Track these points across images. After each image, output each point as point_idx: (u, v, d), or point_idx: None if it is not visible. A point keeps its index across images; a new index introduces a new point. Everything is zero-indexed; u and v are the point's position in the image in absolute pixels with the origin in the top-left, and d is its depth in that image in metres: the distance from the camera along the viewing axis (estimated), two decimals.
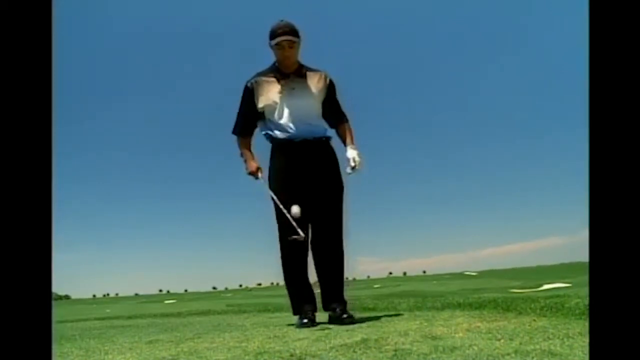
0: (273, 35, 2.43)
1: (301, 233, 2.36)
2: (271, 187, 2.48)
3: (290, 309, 2.57)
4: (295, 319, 2.46)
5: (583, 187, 0.79)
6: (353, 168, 2.51)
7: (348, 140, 2.61)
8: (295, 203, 2.41)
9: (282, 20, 2.45)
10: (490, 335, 1.51)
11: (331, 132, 2.64)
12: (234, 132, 2.66)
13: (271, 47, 2.47)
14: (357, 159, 2.52)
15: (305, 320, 2.32)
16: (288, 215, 2.38)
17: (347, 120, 2.68)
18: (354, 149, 2.57)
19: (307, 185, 2.46)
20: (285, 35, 2.40)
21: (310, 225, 2.50)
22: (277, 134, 2.50)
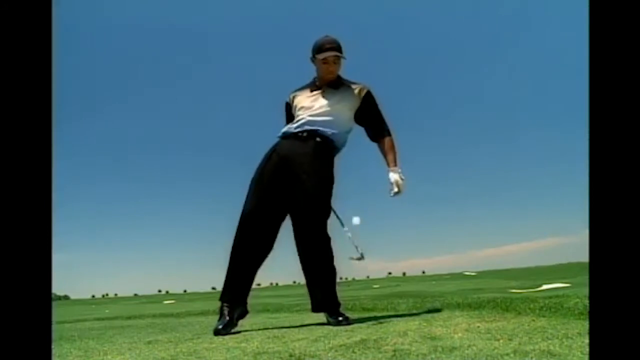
0: (320, 49, 2.48)
1: (359, 254, 2.32)
2: (255, 177, 2.48)
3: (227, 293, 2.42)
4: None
5: (583, 187, 0.79)
6: (396, 193, 2.44)
7: (390, 160, 2.53)
8: (275, 196, 2.40)
9: (327, 36, 2.51)
10: (489, 335, 1.51)
11: (339, 136, 2.54)
12: None
13: (314, 60, 2.53)
14: (399, 182, 2.45)
15: (220, 327, 2.21)
16: (348, 234, 2.38)
17: (388, 134, 2.60)
18: (396, 172, 2.49)
19: (291, 181, 2.42)
20: (332, 50, 2.46)
21: (293, 227, 2.45)
22: (284, 129, 2.54)
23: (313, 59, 2.54)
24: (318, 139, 2.47)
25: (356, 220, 2.38)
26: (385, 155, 2.58)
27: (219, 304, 2.41)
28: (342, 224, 2.47)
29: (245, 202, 2.47)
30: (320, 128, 2.48)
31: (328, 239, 2.45)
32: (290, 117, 2.65)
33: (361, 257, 2.33)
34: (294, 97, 2.64)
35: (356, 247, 2.36)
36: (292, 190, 2.42)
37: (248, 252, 2.42)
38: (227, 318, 2.29)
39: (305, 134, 2.47)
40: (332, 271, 2.45)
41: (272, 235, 2.46)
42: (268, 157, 2.50)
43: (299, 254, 2.45)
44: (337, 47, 2.48)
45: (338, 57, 2.49)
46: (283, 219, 2.48)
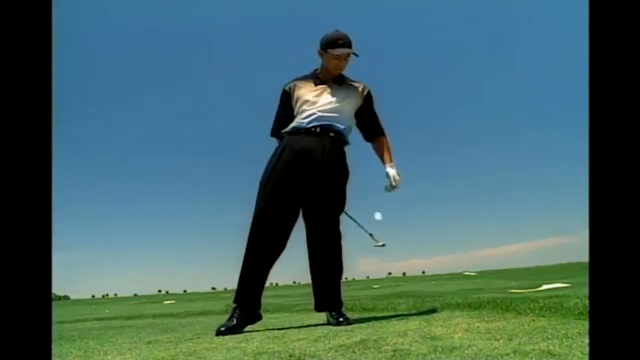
0: (333, 45, 2.45)
1: (380, 242, 2.58)
2: (268, 175, 2.44)
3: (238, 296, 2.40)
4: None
5: (583, 187, 0.79)
6: (393, 187, 2.53)
7: (387, 157, 2.60)
8: (291, 194, 2.39)
9: (338, 31, 2.49)
10: (489, 335, 1.51)
11: (347, 132, 2.56)
12: (272, 134, 2.68)
13: (323, 54, 2.51)
14: (397, 177, 2.53)
15: (223, 329, 2.20)
16: (364, 229, 2.58)
17: (384, 135, 2.66)
18: (393, 167, 2.57)
19: (308, 177, 2.41)
20: (346, 47, 2.45)
21: (305, 223, 2.47)
22: (293, 124, 2.51)
23: (322, 52, 2.50)
24: (332, 134, 2.47)
25: (378, 216, 2.51)
26: (381, 153, 2.62)
27: (233, 305, 2.38)
28: (359, 224, 2.62)
29: (258, 201, 2.42)
30: (333, 123, 2.47)
31: (340, 236, 2.48)
32: (287, 107, 2.59)
33: (384, 244, 2.54)
34: (295, 88, 2.57)
35: (371, 235, 2.57)
36: (308, 185, 2.41)
37: (262, 254, 2.39)
38: (234, 322, 2.27)
39: (318, 129, 2.45)
40: (340, 270, 2.48)
41: (286, 234, 2.43)
42: (279, 155, 2.45)
43: (310, 249, 2.46)
44: (350, 44, 2.47)
45: (349, 54, 2.48)
46: (297, 216, 2.46)
